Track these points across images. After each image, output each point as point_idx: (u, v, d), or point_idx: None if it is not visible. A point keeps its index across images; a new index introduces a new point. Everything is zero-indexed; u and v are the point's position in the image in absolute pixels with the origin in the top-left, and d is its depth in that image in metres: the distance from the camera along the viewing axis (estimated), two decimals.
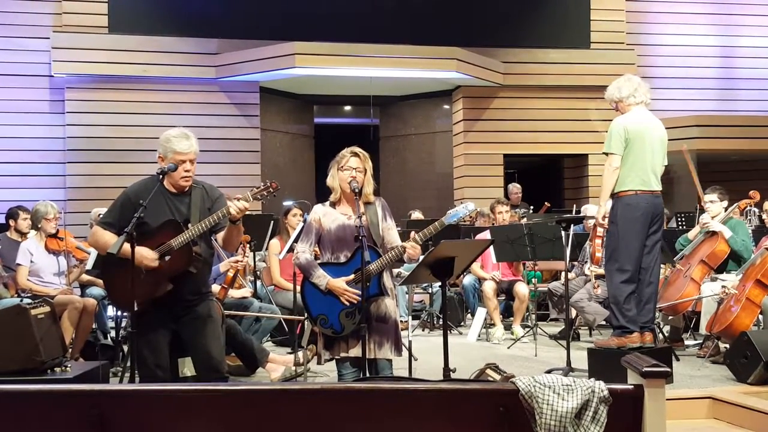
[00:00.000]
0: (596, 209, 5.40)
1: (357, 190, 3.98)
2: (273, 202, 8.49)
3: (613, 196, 5.01)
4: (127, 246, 3.66)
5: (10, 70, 10.31)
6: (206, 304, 4.00)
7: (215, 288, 5.48)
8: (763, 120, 11.89)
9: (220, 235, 3.93)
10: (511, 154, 11.78)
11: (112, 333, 6.70)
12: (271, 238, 7.41)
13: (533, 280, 7.54)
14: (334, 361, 4.07)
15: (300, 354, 5.49)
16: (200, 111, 10.56)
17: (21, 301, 5.46)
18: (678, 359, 5.78)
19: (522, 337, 7.18)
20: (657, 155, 5.05)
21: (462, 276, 7.80)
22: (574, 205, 10.39)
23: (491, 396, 2.44)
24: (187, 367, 4.53)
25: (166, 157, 3.92)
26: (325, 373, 5.57)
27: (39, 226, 6.33)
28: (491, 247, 6.84)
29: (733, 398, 4.55)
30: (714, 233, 6.26)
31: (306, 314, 4.24)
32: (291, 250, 5.65)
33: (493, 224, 7.97)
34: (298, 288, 5.00)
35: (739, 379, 5.01)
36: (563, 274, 6.68)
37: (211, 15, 10.88)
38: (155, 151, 4.00)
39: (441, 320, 7.26)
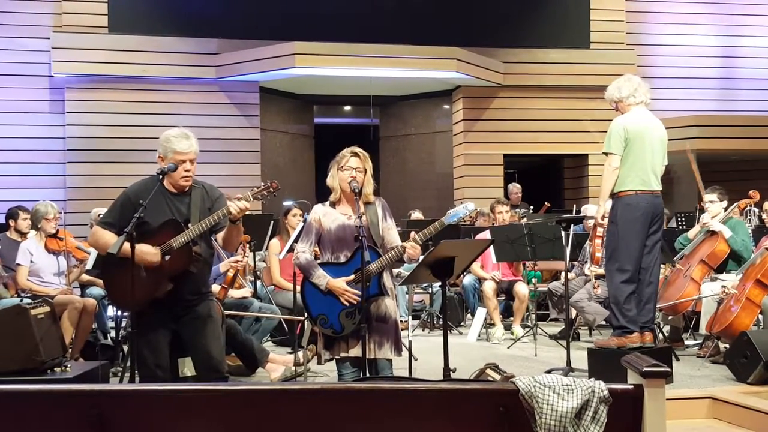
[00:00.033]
0: (596, 209, 5.40)
1: (357, 190, 3.97)
2: (273, 202, 8.48)
3: (613, 196, 5.00)
4: (127, 246, 3.65)
5: (10, 70, 10.30)
6: (206, 304, 4.00)
7: (215, 288, 5.47)
8: (763, 120, 11.87)
9: (220, 235, 3.93)
10: (511, 154, 11.76)
11: (112, 333, 6.70)
12: (271, 238, 7.41)
13: (533, 280, 7.54)
14: (334, 361, 4.07)
15: (300, 354, 5.49)
16: (200, 111, 10.54)
17: (21, 301, 5.46)
18: (678, 359, 5.78)
19: (522, 337, 7.18)
20: (657, 155, 5.04)
21: (462, 276, 7.80)
22: (574, 205, 10.39)
23: (491, 396, 2.44)
24: (187, 367, 4.53)
25: (166, 157, 3.91)
26: (325, 373, 5.57)
27: (39, 226, 6.34)
28: (491, 247, 6.83)
29: (733, 398, 4.55)
30: (714, 233, 6.26)
31: (306, 314, 4.24)
32: (291, 250, 5.66)
33: (493, 224, 7.97)
34: (298, 288, 5.01)
35: (739, 379, 5.01)
36: (563, 274, 6.68)
37: (211, 15, 10.87)
38: (155, 151, 3.99)
39: (441, 320, 7.26)
